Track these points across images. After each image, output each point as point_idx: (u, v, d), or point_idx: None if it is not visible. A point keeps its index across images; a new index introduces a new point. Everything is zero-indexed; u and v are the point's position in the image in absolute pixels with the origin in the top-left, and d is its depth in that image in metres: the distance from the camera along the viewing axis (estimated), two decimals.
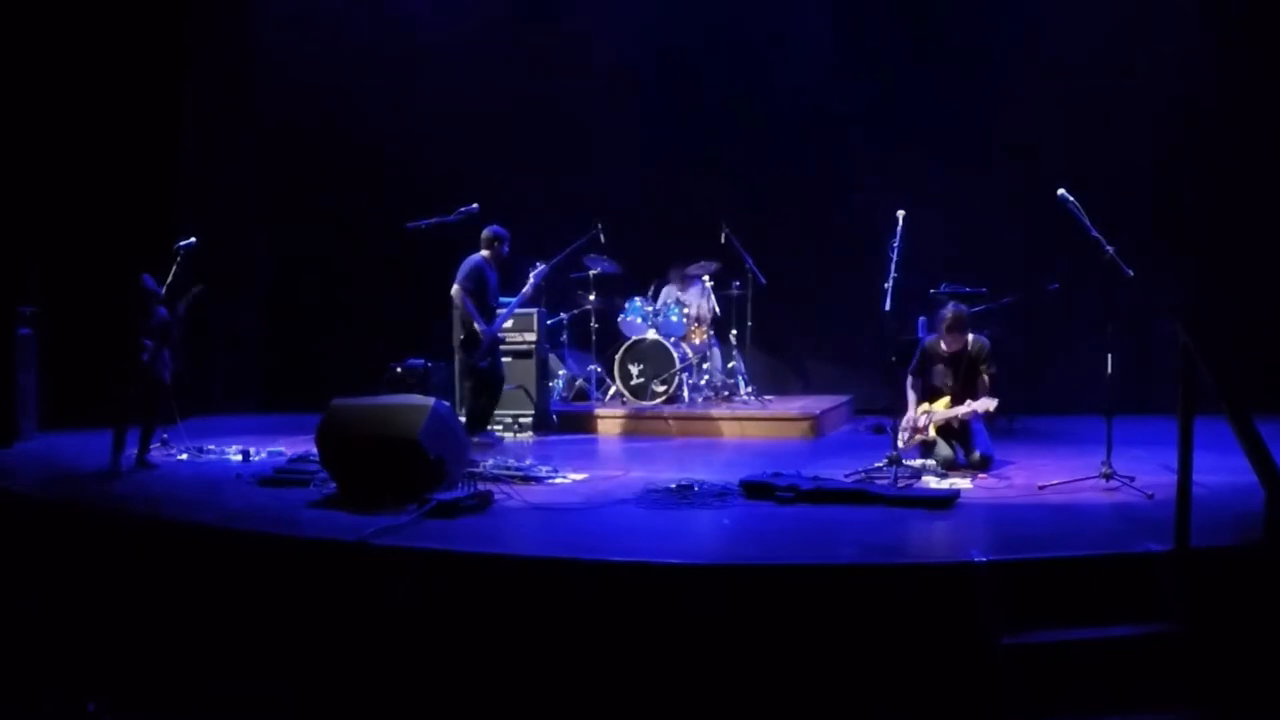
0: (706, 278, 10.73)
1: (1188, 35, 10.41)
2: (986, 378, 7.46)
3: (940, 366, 7.58)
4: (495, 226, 9.33)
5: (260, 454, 8.44)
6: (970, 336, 7.57)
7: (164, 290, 8.19)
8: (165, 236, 9.18)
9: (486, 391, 9.15)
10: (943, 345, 7.51)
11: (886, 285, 7.18)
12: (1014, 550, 5.15)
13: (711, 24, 11.58)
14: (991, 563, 4.89)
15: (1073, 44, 10.63)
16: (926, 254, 8.28)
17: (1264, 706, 4.65)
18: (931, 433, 7.49)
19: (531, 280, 9.46)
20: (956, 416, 7.39)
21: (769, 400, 10.52)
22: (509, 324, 9.78)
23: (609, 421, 10.14)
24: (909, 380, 7.71)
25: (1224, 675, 4.61)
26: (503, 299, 9.46)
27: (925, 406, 7.63)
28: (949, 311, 7.48)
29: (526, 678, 5.15)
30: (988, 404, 7.26)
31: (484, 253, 9.23)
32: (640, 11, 11.64)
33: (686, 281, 10.81)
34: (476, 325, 8.98)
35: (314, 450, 7.04)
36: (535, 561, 5.31)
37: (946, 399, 7.50)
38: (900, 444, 7.38)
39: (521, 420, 9.86)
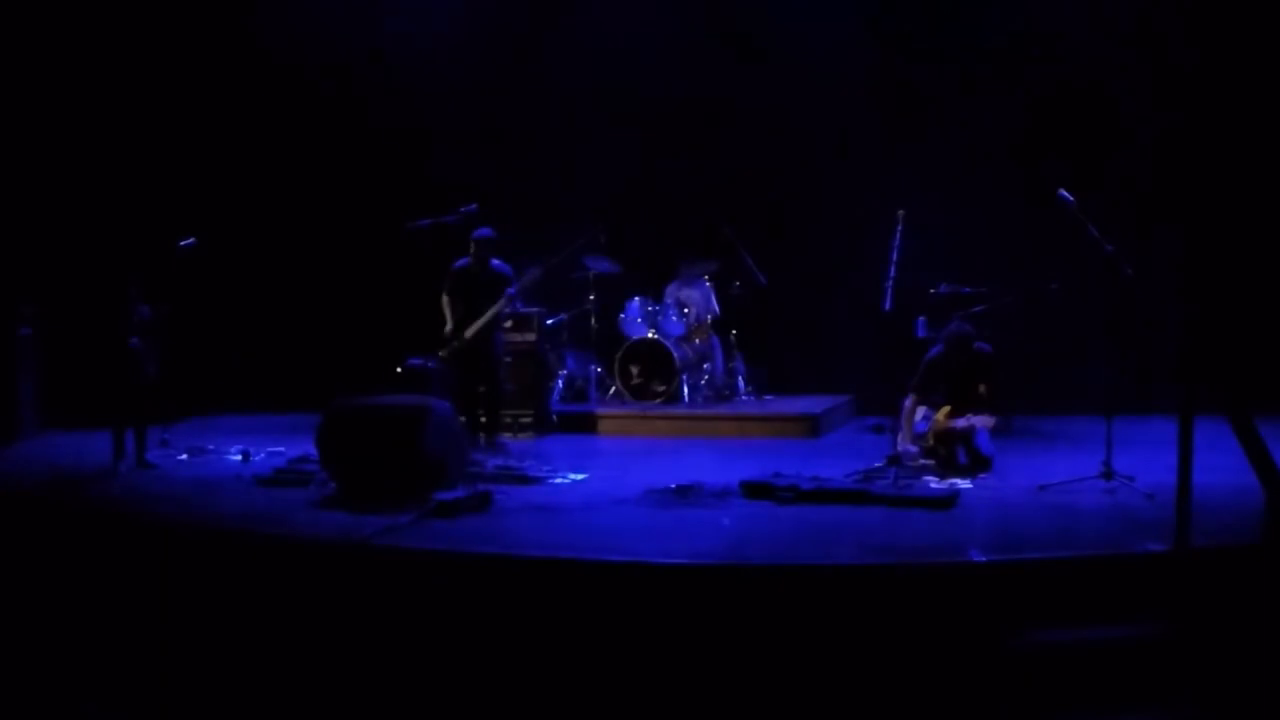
0: (707, 278, 10.74)
1: (1187, 32, 10.41)
2: (985, 388, 7.44)
3: (946, 381, 7.55)
4: (480, 229, 9.07)
5: (260, 454, 8.44)
6: (974, 345, 7.53)
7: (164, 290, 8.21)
8: (166, 236, 9.19)
9: (466, 400, 8.87)
10: (948, 363, 7.49)
11: (887, 285, 7.17)
12: (1014, 550, 5.15)
13: (712, 24, 11.59)
14: (991, 563, 4.89)
15: (1074, 42, 10.63)
16: (926, 254, 8.28)
17: (1263, 706, 4.65)
18: (931, 440, 7.49)
19: (504, 297, 9.03)
20: (955, 429, 7.38)
21: (769, 400, 10.51)
22: (508, 324, 9.84)
23: (609, 421, 10.13)
24: (909, 400, 7.60)
25: (1224, 675, 4.61)
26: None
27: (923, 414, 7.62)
28: (955, 332, 7.46)
29: (526, 678, 5.15)
30: (985, 420, 7.26)
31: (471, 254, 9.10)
32: (641, 11, 11.65)
33: (687, 281, 10.81)
34: (446, 327, 8.92)
35: (314, 450, 7.04)
36: (535, 561, 5.31)
37: (947, 409, 7.49)
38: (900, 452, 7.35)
39: (521, 420, 9.86)
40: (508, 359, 9.86)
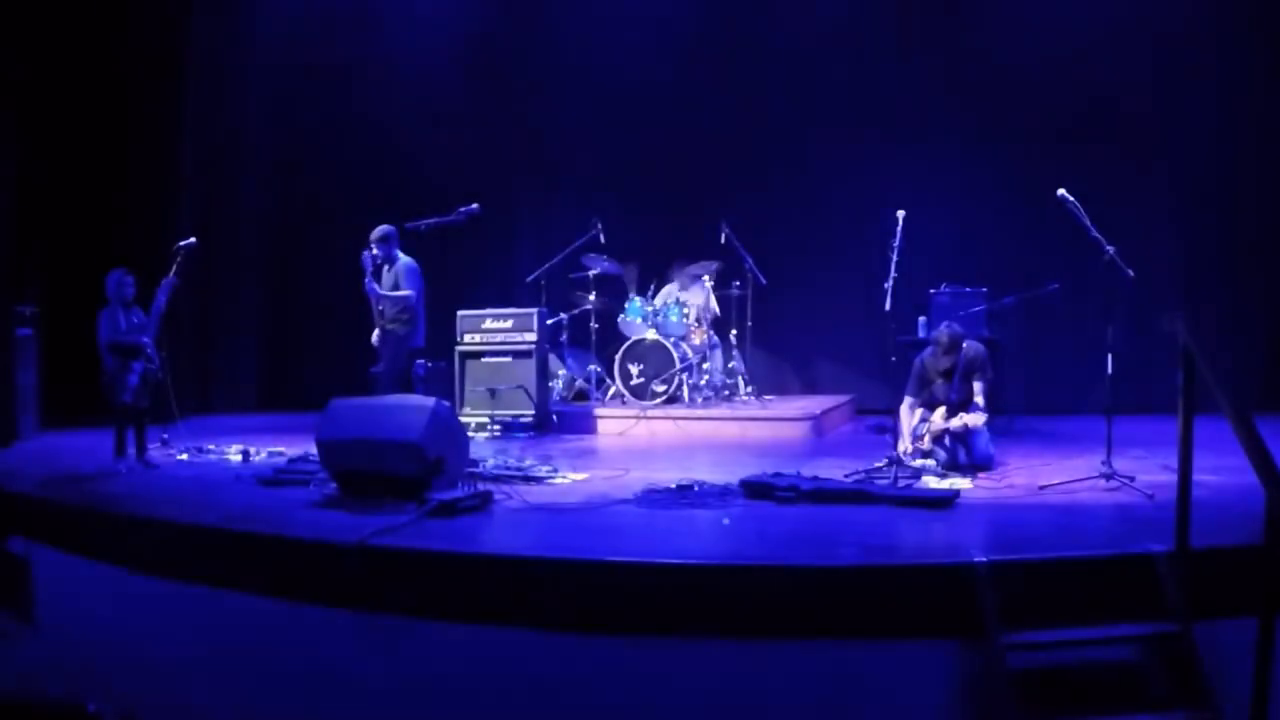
0: (707, 278, 10.74)
1: (1186, 31, 10.41)
2: (979, 385, 7.46)
3: (939, 381, 7.59)
4: (380, 227, 8.82)
5: (260, 454, 8.44)
6: (965, 344, 7.57)
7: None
8: (165, 236, 9.20)
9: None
10: (939, 363, 7.53)
11: (887, 285, 7.17)
12: (1014, 550, 5.14)
13: (711, 23, 11.60)
14: (991, 563, 4.88)
15: (1073, 40, 10.63)
16: (926, 254, 8.29)
17: (1263, 707, 4.64)
18: (928, 442, 7.50)
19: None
20: (948, 429, 7.39)
21: (769, 400, 10.51)
22: (508, 324, 9.92)
23: (609, 421, 10.12)
24: (906, 403, 7.63)
25: (1224, 675, 4.61)
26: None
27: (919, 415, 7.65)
28: (944, 333, 7.51)
29: (525, 678, 5.15)
30: (977, 419, 7.28)
31: None
32: (641, 11, 11.66)
33: (687, 281, 10.81)
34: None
35: (314, 450, 7.04)
36: (535, 561, 5.31)
37: (942, 409, 7.51)
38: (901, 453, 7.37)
39: (521, 420, 9.86)
40: (504, 359, 9.86)
